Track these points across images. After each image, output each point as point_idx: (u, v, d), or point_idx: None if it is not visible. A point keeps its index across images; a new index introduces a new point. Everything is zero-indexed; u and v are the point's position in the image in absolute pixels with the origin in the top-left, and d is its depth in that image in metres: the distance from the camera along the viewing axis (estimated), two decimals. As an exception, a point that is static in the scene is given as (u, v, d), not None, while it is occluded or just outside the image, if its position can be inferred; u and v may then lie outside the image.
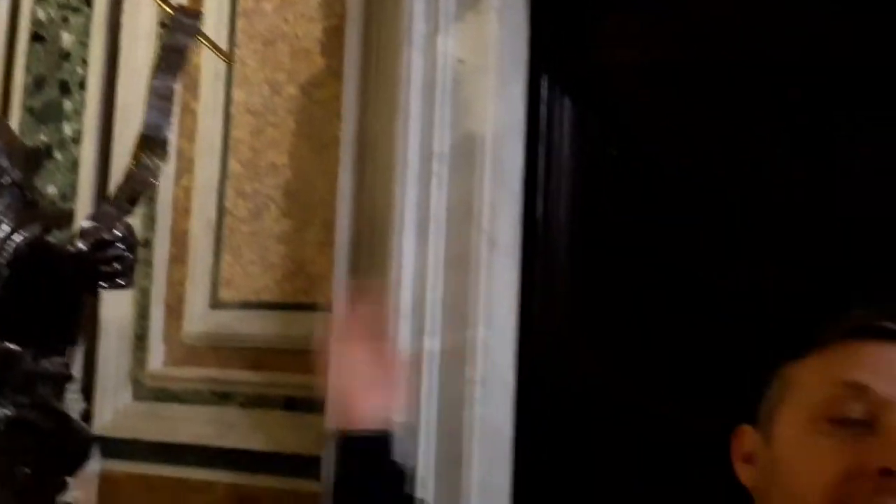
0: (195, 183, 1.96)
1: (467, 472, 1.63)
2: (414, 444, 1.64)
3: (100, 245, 1.26)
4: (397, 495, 1.06)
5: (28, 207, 1.25)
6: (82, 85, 2.03)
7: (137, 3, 1.99)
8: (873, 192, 1.52)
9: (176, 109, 1.93)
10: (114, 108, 1.99)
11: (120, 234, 1.28)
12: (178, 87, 1.40)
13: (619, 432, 1.68)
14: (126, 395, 1.98)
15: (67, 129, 2.03)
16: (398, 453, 1.08)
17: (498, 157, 1.71)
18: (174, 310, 1.98)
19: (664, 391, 1.64)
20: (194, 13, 1.68)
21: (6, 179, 1.22)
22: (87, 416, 1.96)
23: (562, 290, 1.78)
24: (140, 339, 1.99)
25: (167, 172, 1.98)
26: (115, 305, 1.99)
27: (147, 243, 1.99)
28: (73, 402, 1.96)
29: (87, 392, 1.98)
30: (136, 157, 1.34)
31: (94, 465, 1.96)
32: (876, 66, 1.54)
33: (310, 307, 1.84)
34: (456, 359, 1.66)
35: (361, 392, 1.04)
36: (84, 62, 2.03)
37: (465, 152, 1.69)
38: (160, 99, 1.35)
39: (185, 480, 1.91)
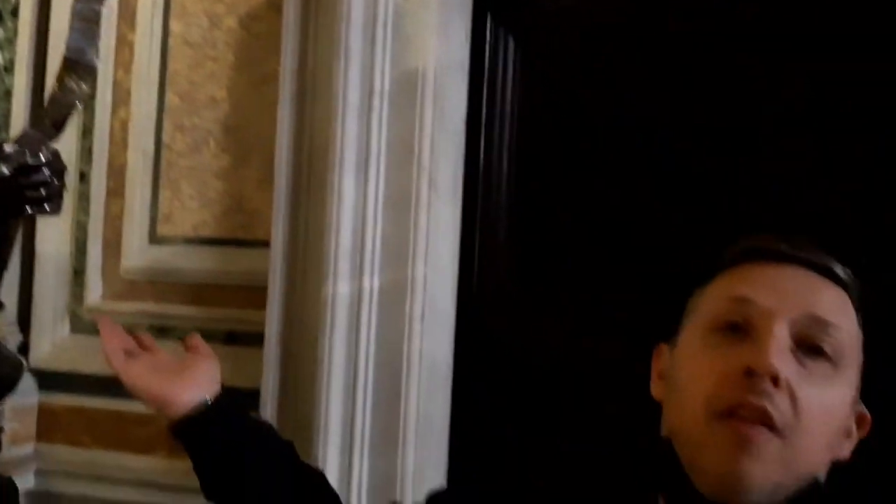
0: (132, 115, 1.91)
1: (406, 404, 1.66)
2: (352, 377, 1.66)
3: (24, 170, 1.22)
4: (276, 448, 1.04)
5: None
6: (14, 12, 1.95)
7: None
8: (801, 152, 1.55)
9: (110, 38, 1.88)
10: (48, 36, 1.92)
11: (45, 160, 1.24)
12: (103, 10, 1.34)
13: (554, 368, 1.71)
14: (64, 329, 1.96)
15: (0, 58, 1.96)
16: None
17: (440, 95, 1.69)
18: (112, 244, 1.95)
19: (599, 330, 1.67)
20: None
21: None
22: (24, 348, 1.94)
23: (501, 231, 1.79)
24: (78, 274, 1.96)
25: (103, 104, 1.94)
26: (52, 240, 1.96)
27: (84, 177, 1.95)
28: (10, 335, 1.94)
29: (24, 325, 1.95)
30: (60, 81, 1.29)
31: (32, 397, 1.95)
32: (821, 26, 1.56)
33: (249, 243, 1.83)
34: (396, 296, 1.67)
35: (161, 380, 1.03)
36: (14, -12, 1.95)
37: (407, 89, 1.68)
38: (83, 21, 1.30)
39: (125, 413, 1.90)
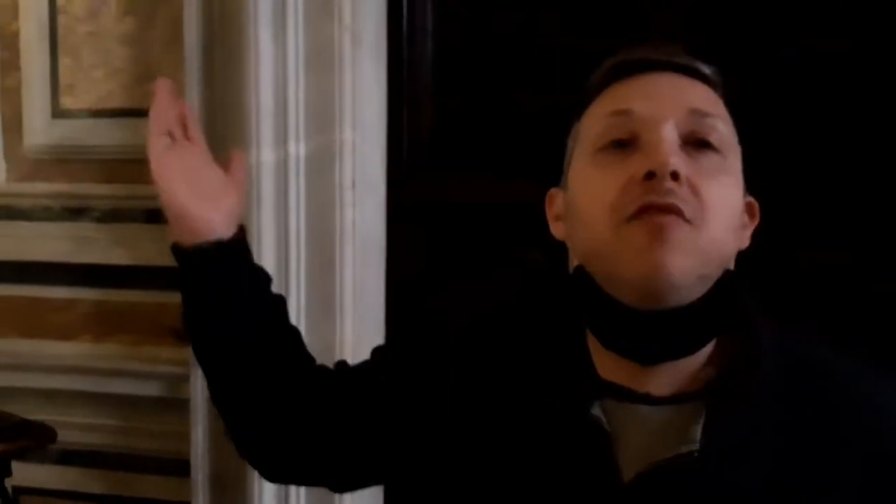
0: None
1: (341, 275, 1.55)
2: (284, 250, 1.54)
3: None
4: (265, 300, 0.93)
5: None
6: None
7: None
8: None
9: None
10: None
11: None
12: None
13: (487, 230, 1.62)
14: (-27, 214, 1.77)
15: None
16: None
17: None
18: (12, 121, 1.75)
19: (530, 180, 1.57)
20: None
21: None
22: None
23: (428, 91, 1.66)
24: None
25: (-12, -35, 1.70)
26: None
27: (-27, 48, 1.73)
28: None
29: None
30: None
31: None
32: None
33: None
34: (323, 163, 1.53)
35: (197, 200, 0.88)
36: None
37: (323, -64, 1.50)
38: None
39: (44, 300, 1.76)
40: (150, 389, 1.67)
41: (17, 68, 1.72)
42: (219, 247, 0.88)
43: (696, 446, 0.68)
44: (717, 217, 0.70)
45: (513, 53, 1.60)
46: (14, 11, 1.71)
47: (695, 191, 0.70)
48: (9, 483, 1.72)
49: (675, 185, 0.69)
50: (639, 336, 0.71)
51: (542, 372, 0.76)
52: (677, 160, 0.69)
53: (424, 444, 0.81)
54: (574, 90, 0.86)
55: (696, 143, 0.72)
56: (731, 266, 0.75)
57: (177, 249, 0.89)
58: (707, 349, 0.73)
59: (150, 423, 1.67)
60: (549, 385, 0.75)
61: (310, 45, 1.52)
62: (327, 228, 1.54)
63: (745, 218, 0.77)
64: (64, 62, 1.69)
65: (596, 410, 0.72)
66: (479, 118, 1.64)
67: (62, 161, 1.73)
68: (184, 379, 1.59)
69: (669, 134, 0.70)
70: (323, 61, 1.52)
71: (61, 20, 1.69)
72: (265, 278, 0.95)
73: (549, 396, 0.74)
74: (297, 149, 1.54)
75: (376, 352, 0.93)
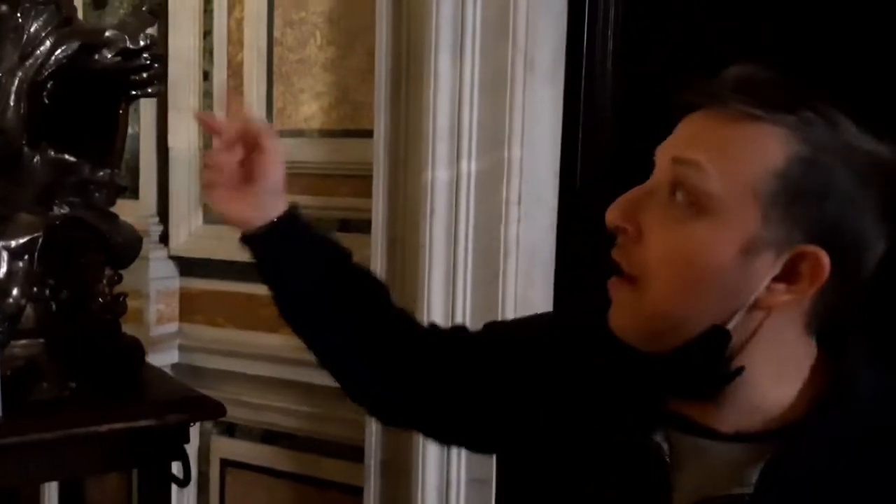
0: (246, 14, 1.88)
1: (504, 288, 1.58)
2: (452, 261, 1.60)
3: (126, 55, 1.21)
4: (325, 257, 0.99)
5: (64, 24, 1.20)
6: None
7: None
8: None
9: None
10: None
11: (144, 45, 1.23)
12: None
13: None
14: (198, 219, 1.99)
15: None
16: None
17: (537, -27, 1.55)
18: (236, 139, 1.95)
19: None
20: None
21: None
22: (164, 238, 2.00)
23: (606, 114, 1.64)
24: (208, 167, 1.98)
25: (220, 5, 1.91)
26: (182, 136, 1.98)
27: (207, 75, 1.95)
28: (152, 227, 2.00)
29: (164, 217, 2.01)
30: None
31: (174, 282, 2.02)
32: None
33: (356, 133, 1.78)
34: (492, 180, 1.58)
35: (240, 190, 0.96)
36: None
37: (502, -32, 1.54)
38: None
39: (255, 296, 1.93)
40: (332, 379, 1.79)
41: (242, 93, 1.92)
42: (272, 224, 0.96)
43: (749, 489, 0.65)
44: (661, 270, 0.66)
45: (692, 76, 1.55)
46: (240, 44, 1.90)
47: (644, 243, 0.67)
48: (214, 455, 1.92)
49: (622, 238, 0.67)
50: (639, 378, 0.71)
51: (617, 390, 0.76)
52: (614, 214, 0.68)
53: (507, 423, 0.83)
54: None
55: (675, 191, 0.68)
56: (734, 322, 0.67)
57: (242, 240, 1.00)
58: (785, 391, 0.69)
59: (336, 410, 1.78)
60: (620, 406, 0.75)
61: (485, 69, 1.57)
62: (493, 242, 1.59)
63: (776, 270, 0.66)
64: (278, 88, 1.86)
65: (658, 438, 0.70)
66: (657, 141, 1.61)
67: (274, 174, 1.91)
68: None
69: (650, 183, 0.70)
70: (497, 84, 1.56)
71: (276, 51, 1.86)
72: (322, 240, 1.02)
73: (618, 417, 0.74)
74: (469, 167, 1.59)
75: (488, 325, 0.96)
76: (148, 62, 1.22)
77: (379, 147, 1.67)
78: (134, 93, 1.25)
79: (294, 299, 0.99)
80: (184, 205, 1.98)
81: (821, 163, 0.66)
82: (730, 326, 0.67)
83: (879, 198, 0.67)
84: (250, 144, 0.96)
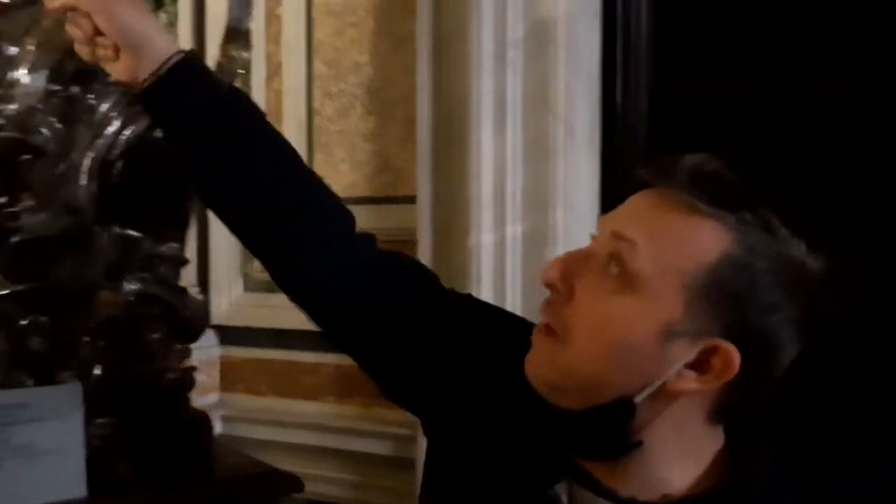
0: (284, 86, 1.92)
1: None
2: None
3: None
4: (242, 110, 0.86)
5: (133, 103, 1.23)
6: (174, -1, 1.99)
7: None
8: None
9: (260, 13, 1.88)
10: (205, 20, 1.95)
11: None
12: None
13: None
14: (238, 288, 2.01)
15: (163, 17, 2.00)
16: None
17: (573, 41, 1.58)
18: (275, 209, 1.97)
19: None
20: None
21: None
22: (205, 307, 2.01)
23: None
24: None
25: (258, 76, 1.95)
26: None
27: (246, 147, 1.98)
28: (192, 296, 2.01)
29: (204, 286, 2.02)
30: (224, 50, 1.29)
31: (215, 351, 2.02)
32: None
33: (397, 200, 1.80)
34: (537, 242, 1.59)
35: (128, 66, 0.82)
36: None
37: (539, 38, 1.58)
38: None
39: (296, 363, 1.94)
40: (381, 448, 1.79)
41: (281, 163, 1.94)
42: (187, 60, 0.82)
43: None
44: (584, 333, 0.69)
45: (727, 142, 1.58)
46: (279, 115, 1.94)
47: (573, 304, 0.70)
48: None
49: (554, 295, 0.71)
50: (546, 427, 0.73)
51: (529, 431, 0.76)
52: (551, 273, 0.71)
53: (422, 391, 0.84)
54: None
55: (608, 263, 0.70)
56: (640, 396, 0.69)
57: (138, 99, 0.85)
58: (683, 473, 0.72)
59: (381, 479, 1.77)
60: (528, 448, 0.76)
61: (527, 137, 1.60)
62: (539, 303, 1.59)
63: (690, 358, 0.68)
64: (318, 157, 1.90)
65: (559, 489, 0.72)
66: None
67: (314, 242, 1.92)
68: (411, 440, 1.68)
69: (576, 251, 0.73)
70: (538, 151, 1.59)
71: (316, 121, 1.89)
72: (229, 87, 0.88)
73: (523, 459, 0.75)
74: (514, 230, 1.61)
75: (466, 297, 0.93)
76: None
77: (423, 213, 1.69)
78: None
79: (198, 157, 0.84)
80: (224, 274, 2.00)
81: (750, 267, 0.68)
82: (636, 400, 0.69)
83: (800, 307, 0.69)
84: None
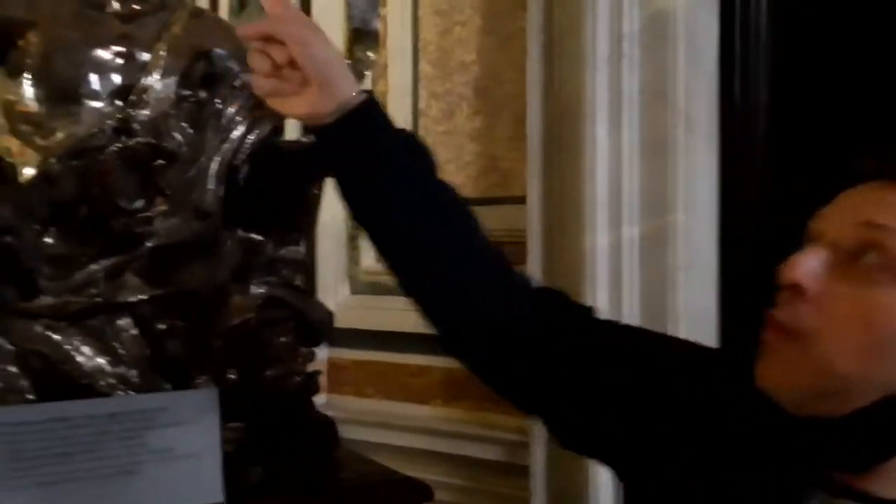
0: (390, 87, 1.91)
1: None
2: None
3: None
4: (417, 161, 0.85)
5: (257, 108, 1.24)
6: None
7: None
8: None
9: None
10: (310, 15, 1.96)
11: None
12: None
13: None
14: (345, 290, 2.01)
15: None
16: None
17: (691, 34, 1.52)
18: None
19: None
20: None
21: (237, 82, 1.20)
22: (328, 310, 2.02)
23: (763, 173, 1.59)
24: (353, 239, 2.00)
25: (364, 79, 1.95)
26: (328, 208, 1.99)
27: (351, 149, 1.98)
28: (316, 299, 2.02)
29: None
30: (350, 52, 1.28)
31: (323, 353, 2.02)
32: None
33: (505, 200, 1.77)
34: (656, 245, 1.53)
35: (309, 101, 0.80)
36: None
37: (656, 31, 1.52)
38: None
39: (404, 366, 1.93)
40: (492, 453, 1.76)
41: (386, 165, 1.94)
42: (343, 115, 0.80)
43: None
44: (837, 330, 0.65)
45: (849, 130, 1.50)
46: (385, 117, 1.93)
47: (818, 302, 0.66)
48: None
49: (795, 296, 0.66)
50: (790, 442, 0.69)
51: (761, 450, 0.72)
52: (795, 272, 0.67)
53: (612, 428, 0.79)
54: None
55: (859, 254, 0.66)
56: None
57: (315, 133, 0.83)
58: None
59: (493, 485, 1.74)
60: (764, 465, 0.72)
61: (644, 134, 1.54)
62: (660, 309, 1.54)
63: None
64: (424, 158, 1.88)
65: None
66: (813, 202, 1.55)
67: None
68: (524, 446, 1.65)
69: (811, 248, 0.68)
70: (657, 148, 1.53)
71: (422, 122, 1.88)
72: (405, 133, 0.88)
73: (761, 477, 0.71)
74: (631, 232, 1.56)
75: (627, 328, 0.90)
76: None
77: (533, 213, 1.66)
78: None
79: (367, 200, 0.84)
80: (331, 276, 2.00)
81: None
82: None
83: None
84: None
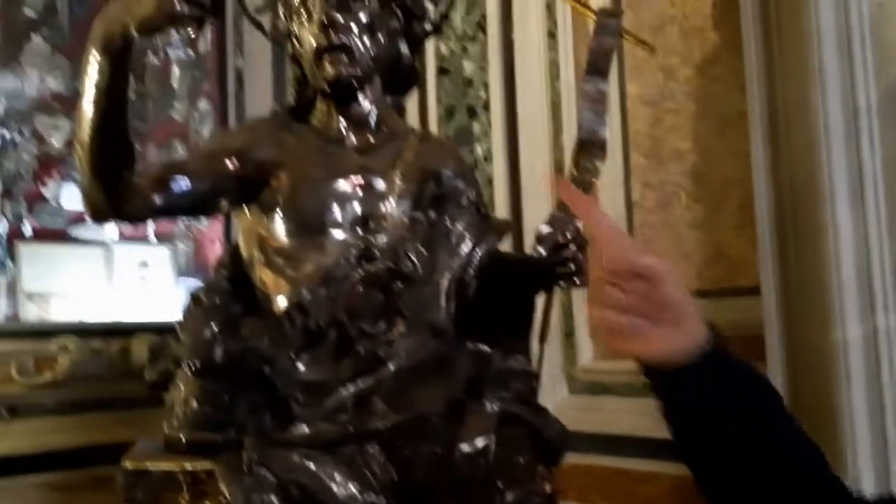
0: (601, 180, 1.86)
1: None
2: (881, 432, 1.39)
3: (556, 248, 1.21)
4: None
5: (483, 222, 1.25)
6: (486, 107, 2.04)
7: (525, 21, 1.95)
8: None
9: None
10: (516, 124, 1.97)
11: (571, 237, 1.22)
12: (608, 89, 1.30)
13: None
14: (562, 390, 1.95)
15: (479, 150, 2.06)
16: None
17: (935, 99, 1.39)
18: (596, 307, 1.91)
19: None
20: (616, 12, 1.57)
21: (464, 200, 1.22)
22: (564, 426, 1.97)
23: None
24: (568, 337, 1.95)
25: (574, 174, 1.93)
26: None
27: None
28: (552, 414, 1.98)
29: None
30: (576, 162, 1.27)
31: (543, 456, 1.96)
32: None
33: (733, 292, 1.66)
34: (917, 335, 1.37)
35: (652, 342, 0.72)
36: (485, 85, 2.04)
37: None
38: (592, 102, 1.27)
39: (628, 471, 1.82)
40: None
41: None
42: (693, 361, 0.73)
43: None
44: None
45: None
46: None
47: None
48: None
49: None
50: None
51: None
52: None
53: None
54: None
55: None
56: None
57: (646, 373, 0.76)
58: None
59: None
60: None
61: (892, 210, 1.40)
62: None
63: None
64: (640, 251, 1.81)
65: None
66: None
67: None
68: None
69: None
70: (909, 227, 1.39)
71: (637, 213, 1.82)
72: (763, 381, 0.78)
73: None
74: (888, 320, 1.40)
75: None
76: (575, 254, 1.21)
77: (769, 304, 1.53)
78: (559, 283, 1.23)
79: (716, 463, 0.74)
80: (547, 376, 1.94)
81: None
82: None
83: None
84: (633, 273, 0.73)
